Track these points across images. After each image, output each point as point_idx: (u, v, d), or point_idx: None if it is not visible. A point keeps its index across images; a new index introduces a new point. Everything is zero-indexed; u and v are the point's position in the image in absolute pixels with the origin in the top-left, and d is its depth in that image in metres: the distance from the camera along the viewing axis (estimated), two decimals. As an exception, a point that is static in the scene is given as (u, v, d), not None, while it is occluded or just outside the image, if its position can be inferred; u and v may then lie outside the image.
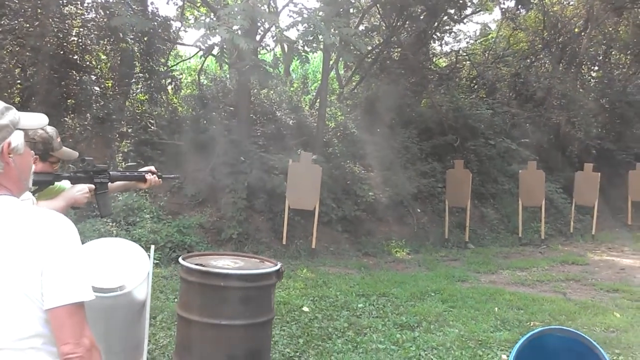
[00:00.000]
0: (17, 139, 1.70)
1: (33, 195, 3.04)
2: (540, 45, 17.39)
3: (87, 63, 11.03)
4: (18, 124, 1.71)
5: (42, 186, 3.22)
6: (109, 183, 3.42)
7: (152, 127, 10.90)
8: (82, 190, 3.24)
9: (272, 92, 14.01)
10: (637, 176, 13.02)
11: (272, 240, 9.90)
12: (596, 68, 18.83)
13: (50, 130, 3.19)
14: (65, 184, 3.37)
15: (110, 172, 3.44)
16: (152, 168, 3.62)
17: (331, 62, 13.50)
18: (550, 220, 12.83)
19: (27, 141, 1.77)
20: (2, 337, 1.56)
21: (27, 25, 9.73)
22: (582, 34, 16.92)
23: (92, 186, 3.31)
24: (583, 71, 18.31)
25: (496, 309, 6.79)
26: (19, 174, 1.73)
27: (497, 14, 18.63)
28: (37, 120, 1.82)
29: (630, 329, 6.15)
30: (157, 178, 3.60)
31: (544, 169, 12.57)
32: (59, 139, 3.24)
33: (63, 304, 1.58)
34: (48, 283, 1.57)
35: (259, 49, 11.59)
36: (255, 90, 13.03)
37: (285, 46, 13.09)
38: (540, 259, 10.46)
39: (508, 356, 3.11)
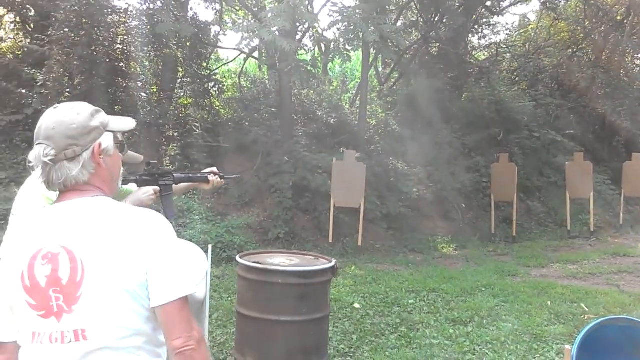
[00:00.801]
0: (107, 141, 1.74)
1: None
2: (582, 35, 17.03)
3: (133, 70, 11.26)
4: (107, 126, 1.76)
5: None
6: (174, 185, 3.50)
7: (197, 131, 11.07)
8: (147, 193, 3.32)
9: (312, 92, 14.09)
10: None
11: (318, 239, 9.96)
12: (640, 56, 18.39)
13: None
14: (131, 187, 3.48)
15: (175, 174, 3.53)
16: (215, 169, 3.69)
17: (370, 60, 13.50)
18: (599, 212, 12.56)
19: (116, 143, 1.81)
20: (105, 337, 1.57)
21: (73, 35, 9.96)
22: (625, 21, 16.51)
23: (157, 188, 3.40)
24: (627, 59, 17.86)
25: (549, 302, 6.72)
26: (111, 175, 1.77)
27: (535, 4, 18.36)
28: (125, 123, 1.86)
29: (690, 320, 6.01)
30: (219, 179, 3.66)
31: (591, 160, 12.32)
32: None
33: (173, 299, 1.59)
34: (155, 280, 1.59)
35: (297, 50, 11.68)
36: (296, 90, 13.12)
37: (323, 46, 13.17)
38: (590, 251, 10.29)
39: (571, 347, 3.09)
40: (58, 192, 1.72)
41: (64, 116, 1.69)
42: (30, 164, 1.69)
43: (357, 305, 6.49)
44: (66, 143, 1.65)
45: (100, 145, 1.72)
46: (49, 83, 9.44)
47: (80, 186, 1.69)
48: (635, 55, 18.50)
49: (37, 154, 1.65)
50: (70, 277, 1.57)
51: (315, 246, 9.57)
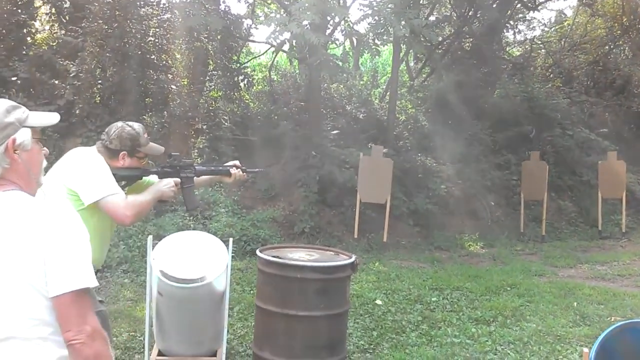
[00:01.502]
0: (23, 136, 1.78)
1: (123, 189, 3.20)
2: (619, 32, 16.61)
3: (164, 62, 11.37)
4: (25, 122, 1.80)
5: (131, 181, 3.37)
6: (195, 177, 3.53)
7: (226, 124, 11.13)
8: (168, 184, 3.35)
9: (341, 86, 14.05)
10: None
11: (343, 234, 9.95)
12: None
13: (137, 126, 3.34)
14: (153, 178, 3.52)
15: (196, 167, 3.56)
16: (237, 162, 3.70)
17: (401, 55, 13.40)
18: (632, 212, 12.26)
19: (37, 138, 1.85)
20: (10, 327, 1.62)
21: (107, 27, 10.09)
22: (665, 18, 16.12)
23: (178, 180, 3.43)
24: (666, 57, 17.41)
25: (575, 303, 6.61)
26: (27, 170, 1.80)
27: (572, 0, 18.01)
28: (46, 119, 1.90)
29: None
30: (241, 172, 3.68)
31: (625, 160, 12.02)
32: (146, 135, 3.37)
33: (66, 291, 1.62)
34: (51, 271, 1.63)
35: (328, 44, 11.64)
36: (325, 84, 13.10)
37: (354, 40, 13.11)
38: (621, 252, 10.07)
39: (590, 349, 3.04)
40: None
41: None
42: None
43: (379, 302, 6.47)
44: None
45: (14, 140, 1.75)
46: (81, 74, 9.60)
47: None
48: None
49: None
50: None
51: (340, 241, 9.57)
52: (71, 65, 9.72)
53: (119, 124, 3.32)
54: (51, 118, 1.92)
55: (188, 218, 8.42)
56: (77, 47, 10.03)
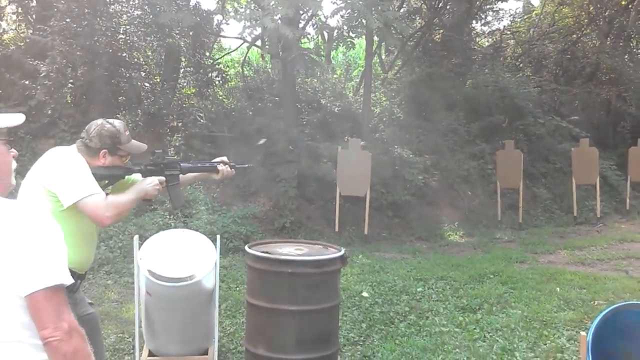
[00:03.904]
0: None
1: (104, 189, 3.11)
2: (586, 20, 16.88)
3: (136, 60, 11.21)
4: None
5: (113, 180, 3.26)
6: (180, 175, 3.44)
7: (201, 120, 11.03)
8: (152, 183, 3.23)
9: (315, 80, 14.02)
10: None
11: (324, 228, 9.94)
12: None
13: (118, 124, 3.21)
14: (136, 177, 3.42)
15: (182, 164, 3.47)
16: (225, 158, 3.61)
17: (374, 47, 13.41)
18: (605, 198, 12.49)
19: (3, 139, 1.82)
20: None
21: (75, 25, 9.91)
22: (630, 6, 16.36)
23: (163, 178, 3.33)
24: (632, 44, 17.72)
25: (558, 289, 6.70)
26: None
27: (540, -11, 18.23)
28: (10, 120, 1.86)
29: (699, 305, 5.99)
30: (229, 168, 3.59)
31: (596, 146, 12.24)
32: (127, 133, 3.24)
33: (39, 288, 1.60)
34: (23, 270, 1.60)
35: (301, 38, 11.59)
36: (299, 79, 13.06)
37: (326, 33, 13.08)
38: (597, 237, 10.24)
39: (586, 333, 3.07)
40: None
41: None
42: None
43: (365, 294, 6.47)
44: None
45: None
46: (52, 74, 9.41)
47: None
48: (640, 41, 18.38)
49: None
50: None
51: (321, 235, 9.55)
52: (41, 65, 9.51)
53: (99, 121, 3.19)
54: (16, 119, 1.87)
55: (169, 217, 8.32)
56: (46, 46, 9.82)
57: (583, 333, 3.12)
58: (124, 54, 10.88)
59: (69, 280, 1.67)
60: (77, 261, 2.97)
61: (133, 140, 3.31)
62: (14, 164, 1.87)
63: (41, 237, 1.66)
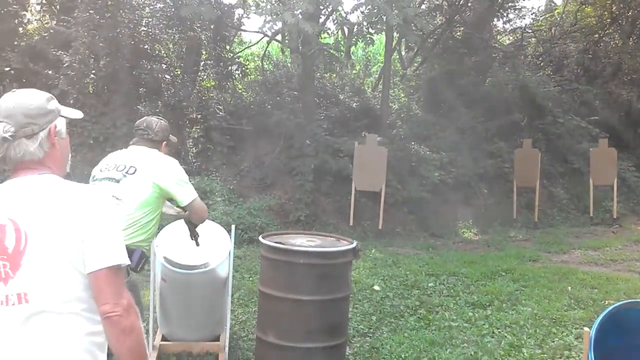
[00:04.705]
0: (61, 124, 1.87)
1: None
2: (609, 20, 16.73)
3: (157, 52, 11.36)
4: (61, 111, 1.89)
5: None
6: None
7: (220, 113, 11.15)
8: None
9: (334, 75, 14.08)
10: None
11: (339, 222, 10.02)
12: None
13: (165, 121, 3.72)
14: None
15: None
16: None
17: (393, 44, 13.44)
18: (623, 199, 12.42)
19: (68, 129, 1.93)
20: (45, 301, 1.68)
21: (98, 16, 10.06)
22: (653, 6, 16.22)
23: None
24: (654, 45, 17.55)
25: (569, 288, 6.72)
26: (62, 157, 1.90)
27: (563, -12, 18.08)
28: (74, 113, 1.98)
29: None
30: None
31: (615, 147, 12.17)
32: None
33: (103, 266, 1.70)
34: (89, 248, 1.70)
35: (320, 33, 11.67)
36: (318, 74, 13.13)
37: (346, 29, 13.13)
38: (612, 238, 10.23)
39: (590, 330, 3.12)
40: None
41: (23, 98, 1.81)
42: None
43: (376, 288, 6.55)
44: (25, 121, 1.77)
45: (55, 126, 1.84)
46: (75, 64, 9.58)
47: (33, 164, 1.80)
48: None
49: None
50: (15, 246, 1.69)
51: (335, 229, 9.62)
52: (64, 56, 9.69)
53: (153, 118, 3.70)
54: (77, 113, 2.00)
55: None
56: (70, 37, 10.00)
57: (587, 329, 3.17)
58: (146, 46, 11.03)
59: (127, 261, 1.78)
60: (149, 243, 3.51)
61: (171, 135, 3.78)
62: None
63: (107, 219, 1.77)
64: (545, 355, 4.82)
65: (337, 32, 14.02)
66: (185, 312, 4.36)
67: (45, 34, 10.84)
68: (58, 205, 1.73)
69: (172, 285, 4.17)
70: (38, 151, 1.79)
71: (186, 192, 3.39)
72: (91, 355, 1.75)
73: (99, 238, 1.73)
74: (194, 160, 10.47)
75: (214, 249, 4.24)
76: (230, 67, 12.31)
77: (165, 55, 11.73)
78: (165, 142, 3.63)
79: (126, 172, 3.31)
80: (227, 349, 4.36)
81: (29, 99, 1.81)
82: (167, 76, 11.11)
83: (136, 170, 3.31)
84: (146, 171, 3.33)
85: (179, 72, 11.77)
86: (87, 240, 1.71)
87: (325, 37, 13.88)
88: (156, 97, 10.76)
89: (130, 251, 2.48)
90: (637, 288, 6.76)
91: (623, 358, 3.22)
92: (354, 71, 15.42)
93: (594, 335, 3.07)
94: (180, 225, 4.44)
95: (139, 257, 3.23)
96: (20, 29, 10.65)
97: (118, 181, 3.28)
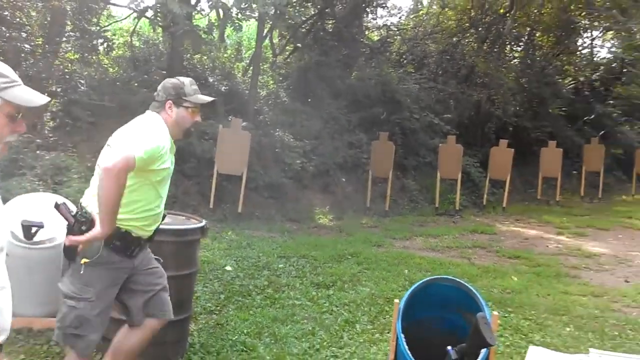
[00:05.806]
0: None
1: None
2: (467, 24, 18.02)
3: (18, 19, 10.81)
4: None
5: None
6: None
7: (82, 88, 10.85)
8: None
9: (205, 57, 14.06)
10: (549, 154, 13.97)
11: (199, 204, 10.13)
12: (519, 49, 19.69)
13: (183, 78, 3.46)
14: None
15: None
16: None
17: (265, 31, 13.67)
18: (466, 192, 13.57)
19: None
20: None
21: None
22: (507, 15, 17.63)
23: None
24: (506, 51, 19.10)
25: (406, 271, 7.36)
26: None
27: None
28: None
29: (524, 290, 6.79)
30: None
31: (464, 144, 13.29)
32: (193, 87, 3.44)
33: None
34: None
35: (194, 14, 11.63)
36: (189, 55, 13.08)
37: (221, 12, 13.15)
38: (452, 227, 11.18)
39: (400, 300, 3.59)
40: None
41: None
42: None
43: (228, 268, 6.83)
44: None
45: None
46: None
47: None
48: (514, 48, 19.82)
49: None
50: None
51: (195, 211, 9.71)
52: None
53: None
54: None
55: (37, 182, 8.21)
56: None
57: (397, 300, 3.65)
58: (6, 12, 10.46)
59: None
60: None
61: (200, 95, 3.47)
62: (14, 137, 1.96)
63: None
64: (375, 330, 5.31)
65: (211, 14, 14.00)
66: (31, 288, 4.34)
67: None
68: None
69: (16, 261, 4.17)
70: None
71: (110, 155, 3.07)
72: None
73: None
74: (50, 135, 10.11)
75: (62, 225, 4.28)
76: (96, 41, 11.94)
77: (26, 23, 11.18)
78: (170, 102, 3.36)
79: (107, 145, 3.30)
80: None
81: None
82: (26, 45, 10.60)
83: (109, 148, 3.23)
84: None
85: (40, 42, 11.26)
86: None
87: (199, 18, 13.82)
88: (14, 67, 10.18)
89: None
90: (465, 272, 7.49)
91: (425, 328, 3.71)
92: (225, 55, 15.47)
93: (402, 307, 3.54)
94: (29, 200, 4.46)
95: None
96: None
97: None
